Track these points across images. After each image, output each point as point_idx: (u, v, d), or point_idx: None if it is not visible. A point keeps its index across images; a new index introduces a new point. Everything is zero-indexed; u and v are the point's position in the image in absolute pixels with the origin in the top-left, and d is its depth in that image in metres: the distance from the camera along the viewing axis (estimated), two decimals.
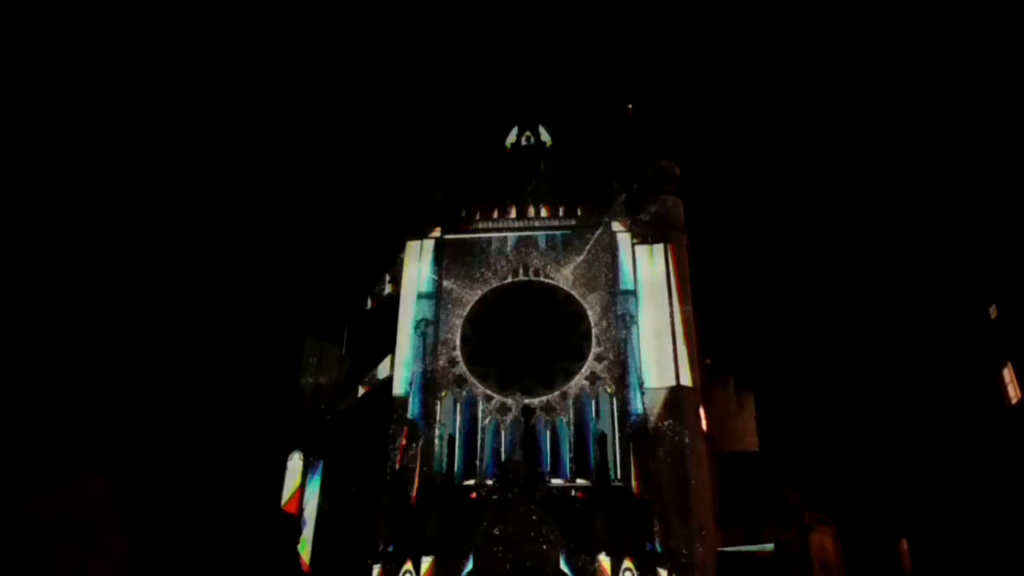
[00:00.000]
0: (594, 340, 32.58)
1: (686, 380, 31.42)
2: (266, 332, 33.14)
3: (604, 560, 26.25)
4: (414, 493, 29.35)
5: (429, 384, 31.83)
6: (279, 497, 30.27)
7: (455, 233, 35.24)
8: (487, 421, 31.42)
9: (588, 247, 34.29)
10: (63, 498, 25.14)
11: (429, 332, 32.87)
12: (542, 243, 34.80)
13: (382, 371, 33.47)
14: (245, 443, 30.06)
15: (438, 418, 31.47)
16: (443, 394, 31.97)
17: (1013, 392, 29.18)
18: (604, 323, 32.82)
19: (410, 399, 31.09)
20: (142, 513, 26.80)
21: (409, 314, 33.40)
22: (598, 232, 34.51)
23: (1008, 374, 29.39)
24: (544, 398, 31.59)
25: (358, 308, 35.61)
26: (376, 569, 27.23)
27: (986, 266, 31.28)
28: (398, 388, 31.85)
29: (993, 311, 30.64)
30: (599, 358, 32.25)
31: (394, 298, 34.62)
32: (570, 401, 31.65)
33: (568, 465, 30.44)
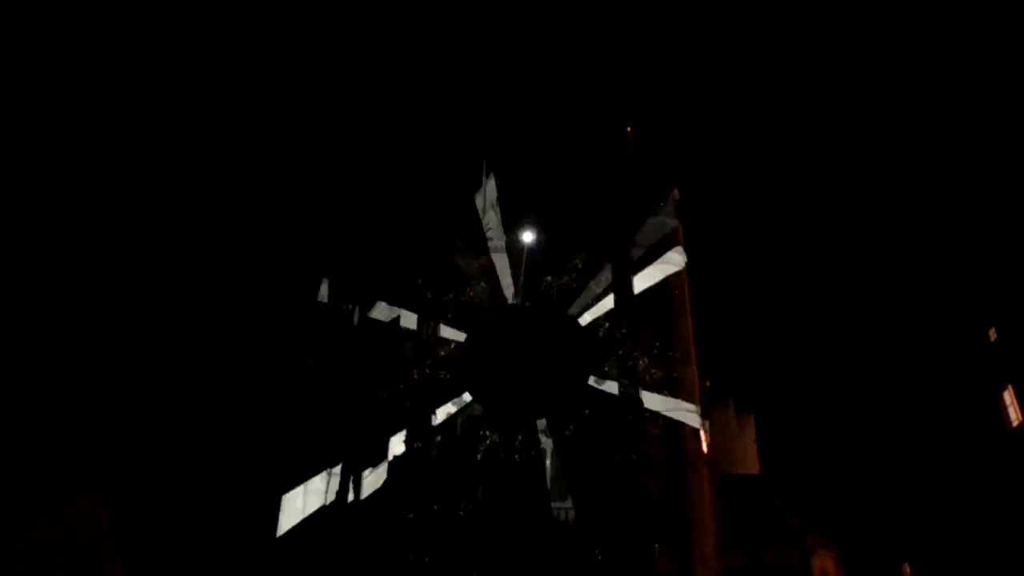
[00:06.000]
0: (593, 362, 32.55)
1: (686, 403, 31.39)
2: (278, 348, 32.91)
3: None
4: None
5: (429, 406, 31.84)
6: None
7: (455, 252, 35.33)
8: (485, 443, 31.37)
9: (587, 269, 34.36)
10: (61, 520, 24.91)
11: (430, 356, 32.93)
12: (541, 266, 34.85)
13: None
14: (253, 463, 29.76)
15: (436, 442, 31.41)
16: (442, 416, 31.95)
17: (1014, 415, 29.20)
18: (603, 345, 32.80)
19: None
20: (141, 537, 26.56)
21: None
22: (597, 254, 34.60)
23: (1008, 396, 29.42)
24: (544, 420, 31.55)
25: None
26: None
27: (985, 289, 31.34)
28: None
29: (993, 334, 30.67)
30: (599, 380, 32.21)
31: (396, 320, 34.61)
32: (570, 424, 31.59)
33: (567, 489, 30.34)
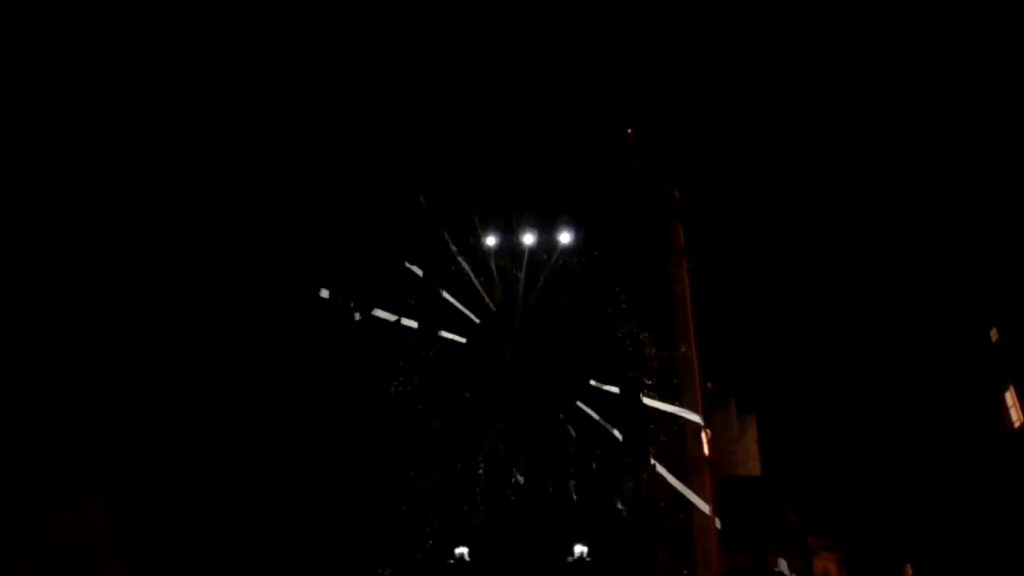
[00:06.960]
0: (596, 365, 32.51)
1: (688, 405, 31.35)
2: (278, 350, 32.80)
3: None
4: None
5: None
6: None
7: (456, 258, 35.30)
8: (487, 446, 31.36)
9: (590, 272, 34.34)
10: (61, 521, 24.77)
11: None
12: (541, 269, 34.84)
13: None
14: (253, 464, 29.65)
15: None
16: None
17: (1015, 415, 29.11)
18: (606, 348, 32.77)
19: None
20: (141, 538, 26.45)
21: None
22: (599, 257, 34.58)
23: (1010, 397, 29.33)
24: (545, 423, 31.51)
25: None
26: None
27: (986, 288, 31.31)
28: None
29: (994, 334, 30.63)
30: (602, 383, 32.18)
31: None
32: (572, 427, 31.57)
33: (570, 492, 30.30)
